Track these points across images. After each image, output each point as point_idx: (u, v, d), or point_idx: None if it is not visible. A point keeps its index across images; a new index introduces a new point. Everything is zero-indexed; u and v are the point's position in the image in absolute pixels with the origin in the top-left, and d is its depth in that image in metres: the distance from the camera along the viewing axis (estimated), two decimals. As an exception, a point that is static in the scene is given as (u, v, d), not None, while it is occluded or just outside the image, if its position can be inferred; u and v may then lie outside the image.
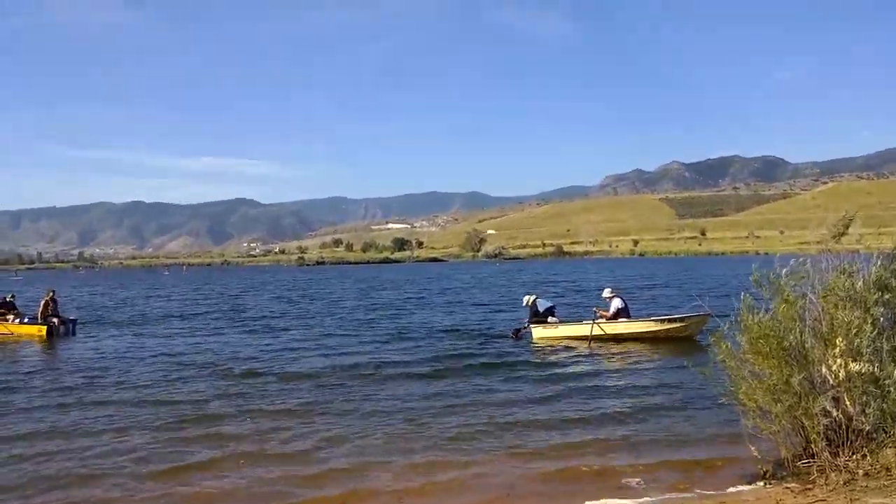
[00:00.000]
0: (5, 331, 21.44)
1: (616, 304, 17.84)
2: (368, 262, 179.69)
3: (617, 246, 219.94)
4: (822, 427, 5.97)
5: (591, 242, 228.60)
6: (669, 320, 17.59)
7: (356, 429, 8.87)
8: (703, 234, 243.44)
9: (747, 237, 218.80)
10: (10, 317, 21.90)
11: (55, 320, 21.53)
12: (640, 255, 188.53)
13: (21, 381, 13.13)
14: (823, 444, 6.00)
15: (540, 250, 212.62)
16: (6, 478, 7.29)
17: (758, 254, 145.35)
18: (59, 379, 13.15)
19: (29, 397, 11.48)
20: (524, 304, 19.04)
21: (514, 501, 6.59)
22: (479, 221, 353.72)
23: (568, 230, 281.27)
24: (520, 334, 18.77)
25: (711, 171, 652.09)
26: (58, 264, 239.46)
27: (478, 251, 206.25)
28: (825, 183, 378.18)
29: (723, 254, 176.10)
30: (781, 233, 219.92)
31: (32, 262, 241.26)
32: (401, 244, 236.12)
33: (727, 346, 6.51)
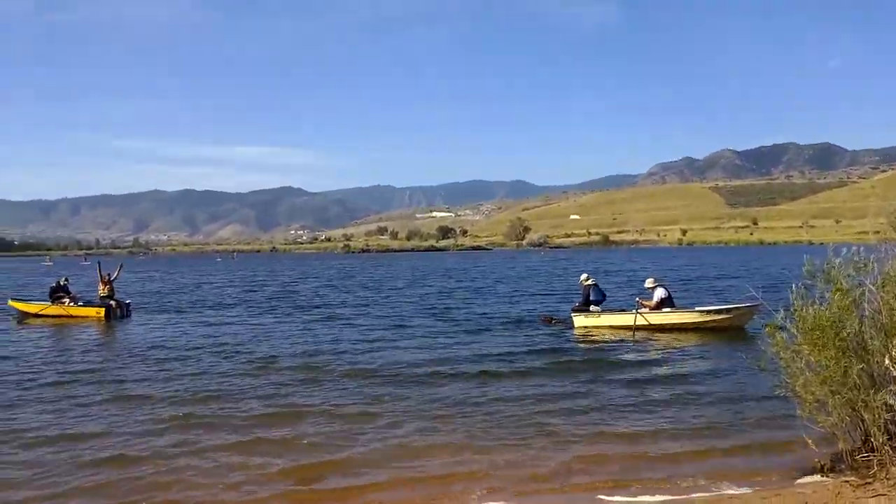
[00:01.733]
0: (64, 313, 22.21)
1: (659, 293, 17.53)
2: (413, 250, 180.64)
3: (665, 235, 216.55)
4: (882, 420, 5.79)
5: (638, 232, 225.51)
6: (716, 311, 17.22)
7: (422, 430, 8.49)
8: (754, 223, 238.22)
9: (801, 227, 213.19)
10: (66, 300, 22.67)
11: (112, 303, 22.22)
12: (689, 244, 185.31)
13: (88, 367, 13.53)
14: (884, 437, 5.82)
15: (585, 239, 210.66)
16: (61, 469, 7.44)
17: (812, 244, 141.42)
18: (127, 367, 13.15)
19: (89, 390, 11.58)
20: (581, 281, 18.88)
21: (567, 487, 6.58)
22: (524, 210, 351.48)
23: (614, 219, 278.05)
24: (553, 321, 18.77)
25: (764, 158, 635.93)
26: (114, 250, 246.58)
27: (522, 240, 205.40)
28: (884, 171, 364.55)
29: (775, 244, 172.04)
30: (837, 222, 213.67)
31: (91, 249, 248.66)
32: (445, 232, 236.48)
33: (781, 338, 6.34)
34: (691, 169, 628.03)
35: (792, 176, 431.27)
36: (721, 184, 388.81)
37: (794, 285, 6.39)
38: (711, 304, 19.28)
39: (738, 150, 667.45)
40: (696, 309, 17.76)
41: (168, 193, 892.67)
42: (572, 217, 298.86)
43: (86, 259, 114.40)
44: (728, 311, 17.15)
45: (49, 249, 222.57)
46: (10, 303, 24.48)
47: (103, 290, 22.47)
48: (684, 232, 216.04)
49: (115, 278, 23.24)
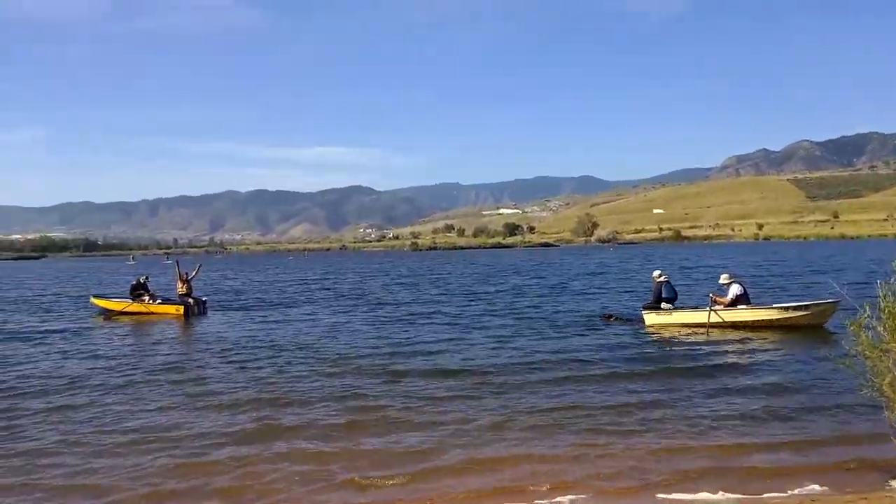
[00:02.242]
0: (145, 310, 23.15)
1: (734, 290, 16.97)
2: (480, 247, 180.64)
3: (740, 230, 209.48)
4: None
5: (711, 227, 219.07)
6: (794, 308, 16.56)
7: (500, 438, 8.21)
8: (835, 216, 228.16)
9: (886, 220, 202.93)
10: (147, 298, 23.58)
11: (191, 300, 23.03)
12: (765, 239, 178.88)
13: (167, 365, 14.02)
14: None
15: (656, 235, 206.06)
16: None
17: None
18: (207, 367, 13.30)
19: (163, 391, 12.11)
20: (653, 277, 18.50)
21: (650, 491, 6.47)
22: (592, 206, 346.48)
23: (686, 214, 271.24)
24: (613, 319, 18.65)
25: (846, 149, 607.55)
26: (191, 249, 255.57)
27: (590, 236, 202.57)
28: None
29: (858, 238, 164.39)
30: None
31: (169, 248, 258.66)
32: (512, 229, 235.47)
33: (867, 337, 6.04)
34: (767, 161, 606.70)
35: (876, 166, 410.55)
36: (800, 176, 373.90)
37: (879, 281, 6.08)
38: (795, 300, 18.57)
39: (818, 140, 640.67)
40: (774, 305, 17.15)
41: (242, 194, 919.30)
42: (656, 211, 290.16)
43: (168, 258, 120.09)
44: (807, 307, 16.49)
45: (130, 249, 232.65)
46: (93, 300, 25.57)
47: (182, 288, 23.31)
48: (760, 227, 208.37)
49: (193, 277, 24.09)
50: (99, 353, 15.35)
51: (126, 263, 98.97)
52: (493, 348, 14.74)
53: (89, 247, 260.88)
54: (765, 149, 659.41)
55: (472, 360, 13.25)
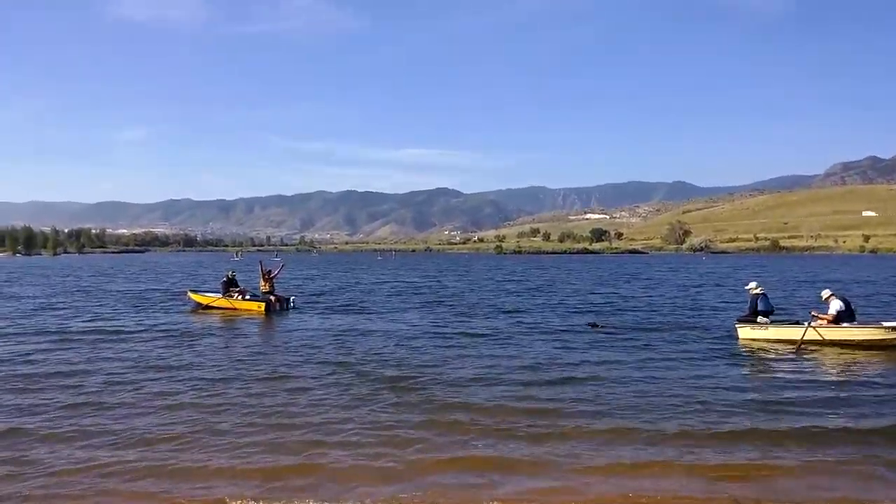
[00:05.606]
0: (230, 306, 23.71)
1: (836, 305, 15.78)
2: (565, 252, 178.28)
3: (844, 242, 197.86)
4: None
5: (812, 237, 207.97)
6: None
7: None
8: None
9: None
10: (236, 294, 24.15)
11: (272, 298, 23.44)
12: (872, 252, 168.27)
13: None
14: None
15: (752, 244, 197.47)
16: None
17: None
18: (279, 375, 13.09)
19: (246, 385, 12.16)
20: (748, 289, 17.40)
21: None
22: (684, 212, 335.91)
23: (785, 223, 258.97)
24: (599, 327, 18.56)
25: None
26: (282, 247, 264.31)
27: (681, 244, 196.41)
28: None
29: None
30: None
31: (262, 245, 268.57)
32: (599, 235, 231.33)
33: None
34: (877, 169, 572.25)
35: None
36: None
37: None
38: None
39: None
40: (882, 324, 15.75)
41: (332, 194, 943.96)
42: (865, 213, 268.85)
43: (277, 255, 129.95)
44: (918, 326, 15.06)
45: (226, 246, 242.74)
46: (189, 294, 26.65)
47: (264, 286, 23.80)
48: (867, 238, 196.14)
49: (276, 276, 24.59)
50: (190, 347, 15.76)
51: (232, 259, 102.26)
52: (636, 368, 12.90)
53: (188, 242, 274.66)
54: (873, 156, 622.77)
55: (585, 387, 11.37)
